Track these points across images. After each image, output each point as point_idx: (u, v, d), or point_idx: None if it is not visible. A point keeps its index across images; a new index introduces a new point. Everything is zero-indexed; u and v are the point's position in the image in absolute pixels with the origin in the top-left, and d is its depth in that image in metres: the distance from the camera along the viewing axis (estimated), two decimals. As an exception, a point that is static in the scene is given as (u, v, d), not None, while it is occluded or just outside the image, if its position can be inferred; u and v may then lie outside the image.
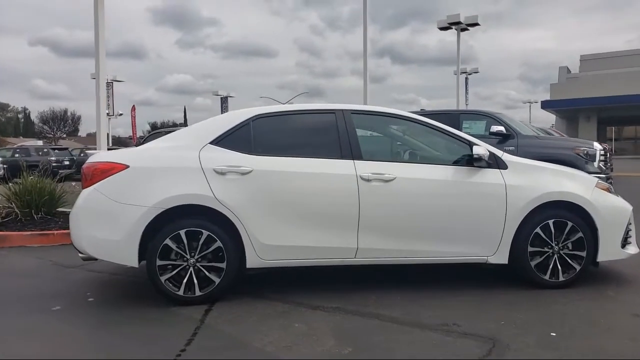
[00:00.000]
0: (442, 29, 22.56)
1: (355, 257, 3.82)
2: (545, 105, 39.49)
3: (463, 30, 22.31)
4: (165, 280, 3.65)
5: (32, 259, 5.50)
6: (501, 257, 3.89)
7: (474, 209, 3.85)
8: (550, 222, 3.88)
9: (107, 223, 3.65)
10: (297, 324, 3.27)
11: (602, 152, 8.80)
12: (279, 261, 3.78)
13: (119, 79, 37.56)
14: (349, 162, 3.83)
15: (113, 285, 4.40)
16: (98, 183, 3.70)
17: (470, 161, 3.92)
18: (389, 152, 4.14)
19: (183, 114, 74.63)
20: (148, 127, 70.51)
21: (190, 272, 3.67)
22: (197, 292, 3.67)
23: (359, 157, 3.87)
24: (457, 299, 3.71)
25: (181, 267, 3.67)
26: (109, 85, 35.80)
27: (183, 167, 3.73)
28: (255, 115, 3.95)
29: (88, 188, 3.73)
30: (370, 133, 4.38)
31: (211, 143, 3.82)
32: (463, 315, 3.36)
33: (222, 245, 3.67)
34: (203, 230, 3.66)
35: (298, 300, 3.71)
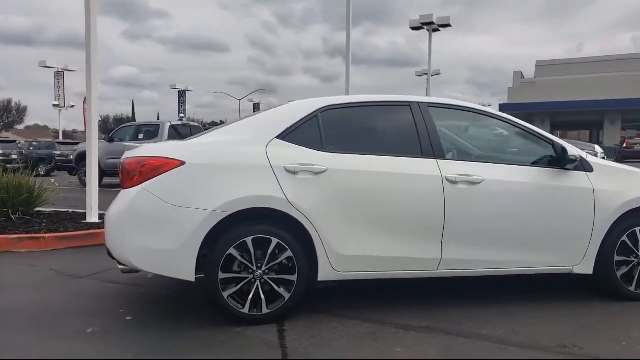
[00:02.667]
0: (413, 28, 22.58)
1: (437, 269, 3.42)
2: (504, 108, 40.60)
3: (435, 30, 22.39)
4: (228, 297, 3.12)
5: (28, 268, 4.76)
6: (587, 267, 3.60)
7: (562, 215, 3.54)
8: (637, 229, 3.63)
9: (159, 230, 3.08)
10: (398, 348, 2.83)
11: (603, 155, 8.86)
12: (354, 273, 3.32)
13: (70, 68, 35.24)
14: (431, 162, 3.43)
15: (145, 300, 3.80)
16: (148, 182, 3.11)
17: (553, 162, 3.60)
18: (470, 151, 3.77)
19: (131, 108, 71.56)
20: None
21: (257, 286, 3.16)
22: (265, 310, 3.16)
23: (442, 155, 3.47)
24: (550, 314, 3.39)
25: (246, 280, 3.15)
26: (59, 74, 33.71)
27: (249, 165, 3.20)
28: (324, 107, 3.47)
29: (134, 187, 3.13)
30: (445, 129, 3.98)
31: (278, 137, 3.31)
32: (574, 334, 3.03)
33: (293, 255, 3.18)
34: (272, 238, 3.16)
35: (378, 319, 3.27)
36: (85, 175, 14.06)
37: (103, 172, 13.73)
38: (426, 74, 38.19)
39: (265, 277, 3.16)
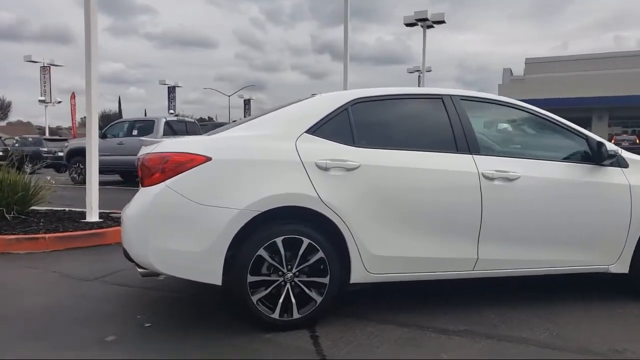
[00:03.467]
0: (408, 25, 22.46)
1: (473, 270, 3.27)
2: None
3: (429, 27, 22.30)
4: (257, 301, 2.93)
5: (30, 271, 4.52)
6: (622, 266, 3.48)
7: (598, 212, 3.41)
8: (673, 227, 3.51)
9: (184, 230, 2.88)
10: (444, 354, 2.67)
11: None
12: (388, 275, 3.15)
13: (56, 63, 34.42)
14: (467, 157, 3.27)
15: (160, 304, 3.59)
16: (172, 179, 2.90)
17: (588, 158, 3.47)
18: (505, 146, 3.61)
19: (118, 104, 70.53)
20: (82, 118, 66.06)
21: (288, 289, 2.97)
22: (296, 314, 2.98)
23: (477, 151, 3.32)
24: (589, 315, 3.26)
25: (276, 283, 2.97)
26: (45, 69, 32.98)
27: (279, 161, 3.01)
28: (354, 99, 3.29)
29: (156, 185, 2.92)
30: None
31: (307, 132, 3.13)
32: (622, 337, 2.90)
33: (324, 257, 3.00)
34: (303, 238, 2.98)
35: (413, 322, 3.11)
36: (76, 173, 13.79)
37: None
38: (418, 70, 38.23)
39: (296, 279, 2.99)
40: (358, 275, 3.08)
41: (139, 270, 3.06)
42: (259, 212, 2.89)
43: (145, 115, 24.11)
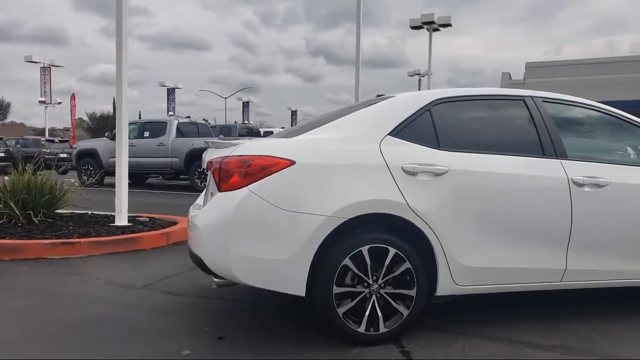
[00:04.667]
0: (413, 28, 22.41)
1: (561, 281, 3.12)
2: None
3: (435, 30, 22.25)
4: (343, 314, 2.76)
5: (73, 277, 4.32)
6: None
7: None
8: None
9: (268, 238, 2.71)
10: (550, 372, 2.52)
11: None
12: (475, 287, 2.99)
13: (56, 64, 34.02)
14: (555, 162, 3.12)
15: (223, 313, 3.41)
16: (255, 184, 2.73)
17: None
18: (590, 150, 3.46)
19: (112, 106, 69.70)
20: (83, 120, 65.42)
21: (373, 301, 2.81)
22: (382, 328, 2.81)
23: (564, 155, 3.17)
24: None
25: (361, 295, 2.80)
26: (46, 70, 32.62)
27: (364, 165, 2.85)
28: (436, 100, 3.13)
29: (238, 190, 2.75)
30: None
31: (390, 134, 2.97)
32: None
33: (411, 267, 2.84)
34: (389, 247, 2.81)
35: (502, 336, 2.95)
36: (86, 175, 13.55)
37: (105, 172, 13.21)
38: (418, 74, 38.29)
39: (382, 291, 2.82)
40: (445, 287, 2.92)
41: (215, 280, 2.88)
42: (346, 220, 2.73)
43: (140, 117, 23.76)
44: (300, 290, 2.73)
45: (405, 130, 2.99)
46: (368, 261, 2.78)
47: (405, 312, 2.85)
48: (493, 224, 2.96)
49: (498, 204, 2.98)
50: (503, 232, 2.98)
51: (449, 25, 21.91)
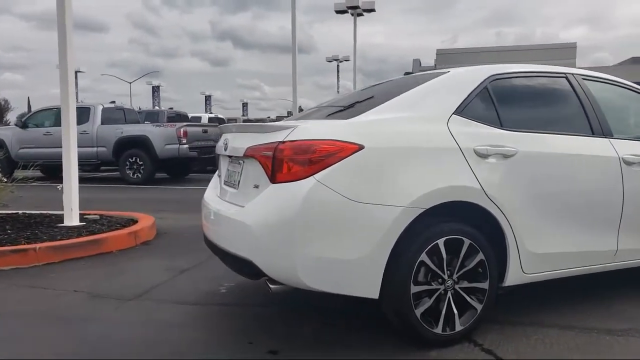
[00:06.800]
0: (338, 12, 22.30)
1: (613, 261, 3.05)
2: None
3: (359, 15, 22.30)
4: (420, 315, 2.46)
5: (43, 292, 3.59)
6: None
7: None
8: None
9: (340, 235, 2.33)
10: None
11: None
12: (540, 274, 2.82)
13: None
14: (604, 141, 3.03)
15: (257, 323, 2.96)
16: (321, 173, 2.32)
17: None
18: (630, 128, 3.39)
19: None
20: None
21: (449, 298, 2.54)
22: (458, 326, 2.56)
23: (610, 134, 3.09)
24: None
25: (437, 292, 2.51)
26: None
27: (437, 148, 2.54)
28: (492, 75, 2.89)
29: (302, 180, 2.33)
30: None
31: (455, 113, 2.68)
32: None
33: (484, 259, 2.60)
34: (464, 239, 2.55)
35: (567, 324, 2.82)
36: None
37: (14, 164, 11.68)
38: (336, 59, 38.48)
39: (456, 286, 2.56)
40: (514, 277, 2.72)
41: (272, 286, 2.43)
42: (423, 210, 2.42)
43: (29, 104, 21.54)
44: (374, 293, 2.39)
45: (468, 109, 2.73)
46: (444, 255, 2.50)
47: (478, 307, 2.61)
48: (557, 208, 2.80)
49: (563, 186, 2.83)
50: (566, 215, 2.84)
51: (372, 10, 22.03)
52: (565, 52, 32.44)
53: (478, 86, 2.81)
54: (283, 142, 2.42)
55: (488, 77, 2.86)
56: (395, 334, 2.62)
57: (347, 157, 2.36)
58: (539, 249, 2.75)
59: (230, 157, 2.99)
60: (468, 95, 2.75)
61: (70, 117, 5.46)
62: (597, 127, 3.05)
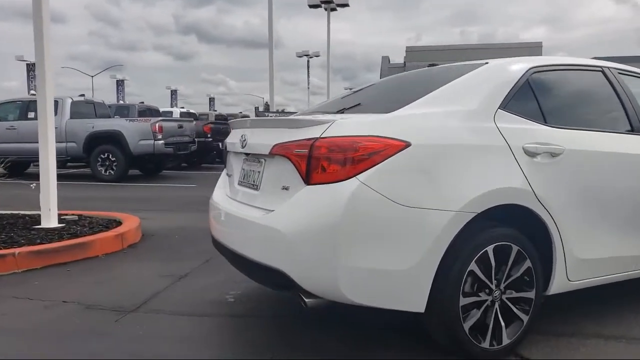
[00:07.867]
0: (312, 6, 22.01)
1: (646, 267, 2.93)
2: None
3: (332, 10, 22.09)
4: (469, 329, 2.26)
5: (30, 303, 3.23)
6: None
7: None
8: None
9: (387, 242, 2.10)
10: None
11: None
12: (584, 282, 2.67)
13: None
14: None
15: (280, 336, 2.70)
16: (365, 173, 2.08)
17: None
18: None
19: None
20: None
21: (496, 310, 2.34)
22: (505, 340, 2.37)
23: None
24: None
25: (485, 304, 2.32)
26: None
27: (484, 146, 2.34)
28: (532, 68, 2.69)
29: (344, 182, 2.08)
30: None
31: (501, 108, 2.48)
32: None
33: (532, 266, 2.42)
34: (512, 245, 2.36)
35: (609, 333, 2.68)
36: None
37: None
38: (307, 55, 38.14)
39: (503, 297, 2.37)
40: (558, 285, 2.55)
41: (307, 300, 2.18)
42: (475, 214, 2.21)
43: None
44: (421, 306, 2.18)
45: (512, 103, 2.53)
46: (493, 263, 2.31)
47: (525, 317, 2.43)
48: (605, 211, 2.66)
49: (610, 187, 2.68)
50: (612, 218, 2.70)
51: (346, 5, 21.83)
52: (531, 51, 33.13)
53: (520, 79, 2.62)
54: (320, 138, 2.16)
55: (529, 69, 2.68)
56: (429, 349, 2.41)
57: (392, 155, 2.13)
58: (586, 255, 2.59)
59: (247, 154, 2.71)
60: (511, 89, 2.56)
61: (47, 112, 5.04)
62: (637, 124, 2.92)
